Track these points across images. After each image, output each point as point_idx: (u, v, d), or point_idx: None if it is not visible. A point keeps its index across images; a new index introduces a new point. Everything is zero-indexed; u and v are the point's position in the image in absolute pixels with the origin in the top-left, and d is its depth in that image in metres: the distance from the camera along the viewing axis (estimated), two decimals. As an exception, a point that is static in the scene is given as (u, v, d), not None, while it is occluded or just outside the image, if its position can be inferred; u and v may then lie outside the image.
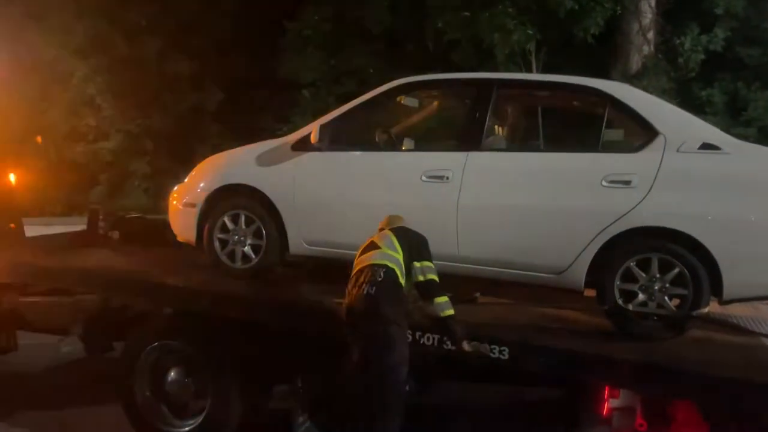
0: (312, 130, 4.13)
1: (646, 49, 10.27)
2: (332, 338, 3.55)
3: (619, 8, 9.62)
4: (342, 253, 4.15)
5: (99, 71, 12.94)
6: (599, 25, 9.43)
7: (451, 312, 3.32)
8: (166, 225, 4.87)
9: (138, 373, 4.24)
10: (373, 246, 3.43)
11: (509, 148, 4.25)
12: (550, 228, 3.65)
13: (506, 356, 3.32)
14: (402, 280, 3.32)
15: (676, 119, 3.71)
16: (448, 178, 3.85)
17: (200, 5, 13.34)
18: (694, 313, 3.40)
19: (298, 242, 4.23)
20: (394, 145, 4.26)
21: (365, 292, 3.23)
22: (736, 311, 4.04)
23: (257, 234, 4.29)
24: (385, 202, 3.98)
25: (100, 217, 5.65)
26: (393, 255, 3.35)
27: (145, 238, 5.52)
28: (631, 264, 3.48)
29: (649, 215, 3.45)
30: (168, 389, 4.22)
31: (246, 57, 13.45)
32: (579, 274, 3.60)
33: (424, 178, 3.91)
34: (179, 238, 4.69)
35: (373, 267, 3.30)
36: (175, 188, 4.74)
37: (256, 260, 4.29)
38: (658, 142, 3.54)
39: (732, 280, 3.35)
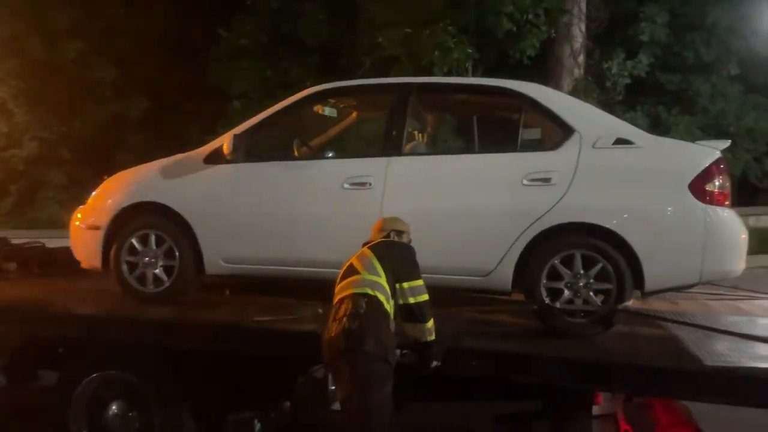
0: (225, 141, 3.92)
1: (577, 72, 10.74)
2: (291, 361, 3.33)
3: (553, 31, 9.98)
4: (263, 269, 3.97)
5: (12, 74, 12.00)
6: (535, 47, 9.77)
7: (433, 337, 3.06)
8: (68, 253, 4.48)
9: (74, 408, 3.80)
10: (352, 271, 3.05)
11: (430, 152, 4.20)
12: (475, 230, 3.61)
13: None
14: (388, 307, 2.97)
15: (590, 116, 3.77)
16: (370, 184, 3.74)
17: (126, 10, 12.75)
18: (620, 306, 3.42)
19: (214, 261, 3.98)
20: (312, 153, 4.10)
21: (346, 327, 2.85)
22: (657, 306, 4.12)
23: (169, 254, 4.00)
24: (307, 213, 3.85)
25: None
26: (375, 280, 2.97)
27: (47, 268, 5.07)
28: (556, 262, 3.47)
29: (570, 212, 3.46)
30: (109, 424, 3.80)
31: (174, 65, 12.95)
32: (506, 275, 3.56)
33: (346, 185, 3.78)
34: (83, 265, 4.33)
35: (354, 297, 2.93)
36: (77, 210, 4.37)
37: (170, 282, 4.00)
38: (575, 139, 3.58)
39: (652, 272, 3.40)
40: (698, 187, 3.38)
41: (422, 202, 3.70)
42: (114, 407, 3.81)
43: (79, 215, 4.31)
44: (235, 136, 3.88)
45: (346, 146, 4.61)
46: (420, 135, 4.33)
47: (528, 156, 3.69)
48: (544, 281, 3.48)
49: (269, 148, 4.16)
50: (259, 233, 3.91)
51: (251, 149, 3.99)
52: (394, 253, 3.11)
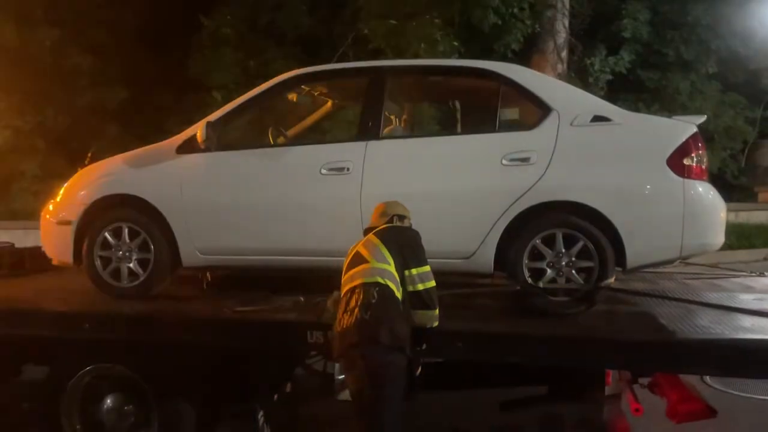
0: (198, 129, 3.82)
1: (560, 68, 10.77)
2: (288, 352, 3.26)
3: (537, 26, 9.97)
4: (241, 259, 3.89)
5: None
6: (519, 42, 9.77)
7: (436, 324, 3.03)
8: (39, 251, 4.34)
9: (66, 402, 3.64)
10: (359, 259, 2.97)
11: (408, 135, 4.15)
12: (455, 212, 3.57)
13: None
14: (399, 295, 2.90)
15: (567, 94, 3.75)
16: (348, 169, 3.68)
17: None
18: (602, 284, 3.42)
19: (191, 252, 3.88)
20: (288, 140, 4.02)
21: (359, 318, 2.77)
22: (637, 286, 4.13)
23: (144, 247, 3.90)
24: (284, 200, 3.77)
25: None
26: (384, 268, 2.89)
27: (18, 268, 4.92)
28: (537, 241, 3.46)
29: (550, 190, 3.45)
30: (104, 419, 3.67)
31: (152, 54, 12.58)
32: (487, 256, 3.54)
33: (323, 171, 3.71)
34: (54, 261, 4.21)
35: (365, 286, 2.85)
36: (48, 206, 4.24)
37: (145, 276, 3.90)
38: (552, 117, 3.56)
39: (633, 248, 3.40)
40: (676, 162, 3.38)
41: (401, 185, 3.64)
42: (109, 401, 3.68)
43: (48, 212, 4.17)
44: (209, 124, 3.79)
45: (323, 132, 4.52)
46: (397, 118, 4.28)
47: (506, 136, 3.66)
48: (526, 261, 3.46)
49: (244, 134, 4.06)
50: (236, 223, 3.82)
51: (225, 137, 3.90)
52: (402, 238, 3.04)
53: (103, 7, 12.42)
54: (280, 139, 4.22)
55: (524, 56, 10.39)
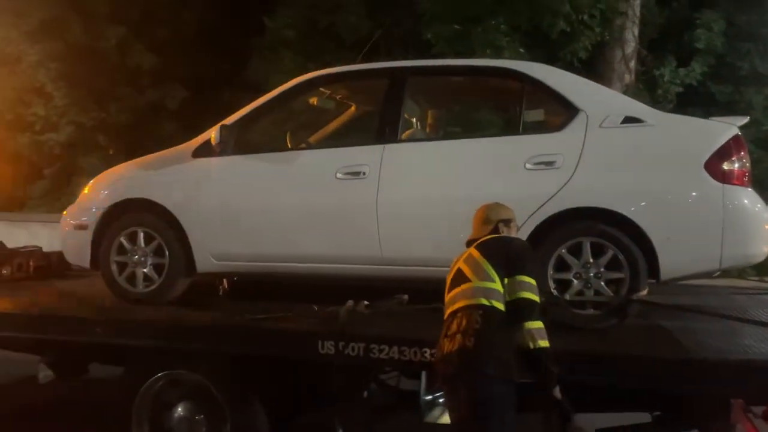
0: (213, 133, 3.75)
1: (628, 78, 10.31)
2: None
3: (606, 33, 9.62)
4: (255, 266, 3.80)
5: (53, 57, 11.66)
6: (587, 50, 9.37)
7: (545, 344, 2.57)
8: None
9: (138, 406, 3.51)
10: (461, 278, 2.68)
11: (427, 138, 4.00)
12: (475, 219, 3.38)
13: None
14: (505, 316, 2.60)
15: (596, 95, 3.54)
16: (364, 173, 3.55)
17: None
18: (634, 297, 3.19)
19: (205, 258, 3.81)
20: (304, 143, 3.92)
21: (461, 345, 2.51)
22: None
23: (159, 252, 3.85)
24: (298, 205, 3.67)
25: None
26: (489, 287, 2.59)
27: (43, 271, 4.96)
28: (563, 251, 3.25)
29: (577, 196, 3.24)
30: (174, 427, 3.55)
31: (213, 54, 12.66)
32: (510, 266, 3.34)
33: (339, 175, 3.59)
34: (73, 266, 4.20)
35: (468, 310, 2.57)
36: (67, 210, 4.24)
37: (160, 281, 3.85)
38: (580, 119, 3.35)
39: (667, 259, 3.16)
40: (714, 166, 3.13)
41: (419, 190, 3.51)
42: (180, 409, 3.54)
43: (67, 216, 4.17)
44: (223, 127, 3.72)
45: (340, 133, 4.40)
46: (417, 120, 4.13)
47: (530, 138, 3.48)
48: (551, 272, 3.26)
49: (260, 138, 3.98)
50: (250, 228, 3.74)
51: (241, 140, 3.82)
52: (509, 251, 2.69)
53: (167, 6, 12.47)
54: (296, 138, 4.13)
55: (590, 65, 10.00)
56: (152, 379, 3.50)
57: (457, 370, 2.54)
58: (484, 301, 2.57)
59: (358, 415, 3.62)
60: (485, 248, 2.72)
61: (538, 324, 2.58)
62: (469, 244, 2.87)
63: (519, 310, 2.59)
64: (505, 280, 2.61)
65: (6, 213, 10.87)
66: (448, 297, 2.72)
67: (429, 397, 3.36)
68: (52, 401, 4.61)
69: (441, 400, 3.31)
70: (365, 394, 3.62)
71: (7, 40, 11.55)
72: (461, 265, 2.74)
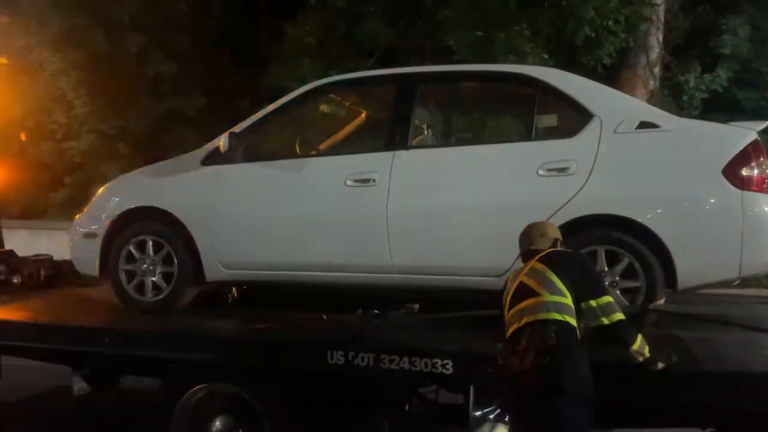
0: (221, 141, 3.72)
1: (652, 84, 10.15)
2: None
3: (631, 39, 9.50)
4: (264, 274, 3.76)
5: (74, 65, 11.75)
6: (612, 56, 9.21)
7: (647, 354, 2.53)
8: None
9: (175, 418, 3.43)
10: (527, 292, 2.55)
11: (438, 144, 3.94)
12: (486, 226, 3.33)
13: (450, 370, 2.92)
14: (578, 332, 2.50)
15: (610, 100, 3.47)
16: (374, 180, 3.50)
17: (188, 4, 12.44)
18: (650, 306, 3.12)
19: (214, 266, 3.78)
20: (313, 150, 3.89)
21: (535, 363, 2.39)
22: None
23: (168, 260, 3.82)
24: (307, 213, 3.62)
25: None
26: (561, 302, 2.49)
27: (53, 280, 4.95)
28: (577, 259, 3.17)
29: (591, 203, 3.17)
30: None
31: (232, 62, 12.70)
32: (522, 274, 3.27)
33: (348, 182, 3.54)
34: (82, 275, 4.18)
35: (539, 325, 2.44)
36: (76, 218, 4.23)
37: (169, 290, 3.82)
38: (594, 124, 3.28)
39: (685, 267, 3.08)
40: (733, 172, 3.05)
41: (430, 198, 3.45)
42: (218, 423, 3.47)
43: (76, 224, 4.16)
44: (232, 134, 3.69)
45: (350, 140, 4.36)
46: (428, 126, 4.08)
47: (543, 144, 3.40)
48: (565, 280, 3.18)
49: (269, 145, 3.95)
50: (259, 237, 3.70)
51: (250, 148, 3.79)
52: (570, 263, 2.62)
53: (186, 14, 12.52)
54: (305, 145, 4.10)
55: (614, 71, 9.87)
56: (190, 392, 3.42)
57: (533, 390, 2.42)
58: (557, 316, 2.46)
59: (402, 428, 3.54)
60: (549, 261, 2.62)
61: (640, 339, 2.53)
62: (524, 257, 2.79)
63: (614, 336, 2.53)
64: (582, 305, 2.52)
65: (28, 221, 10.91)
66: (510, 313, 2.59)
67: (479, 413, 3.22)
68: (86, 412, 4.55)
69: (491, 416, 3.22)
70: (406, 407, 3.53)
71: (28, 48, 11.63)
72: (524, 279, 2.62)
